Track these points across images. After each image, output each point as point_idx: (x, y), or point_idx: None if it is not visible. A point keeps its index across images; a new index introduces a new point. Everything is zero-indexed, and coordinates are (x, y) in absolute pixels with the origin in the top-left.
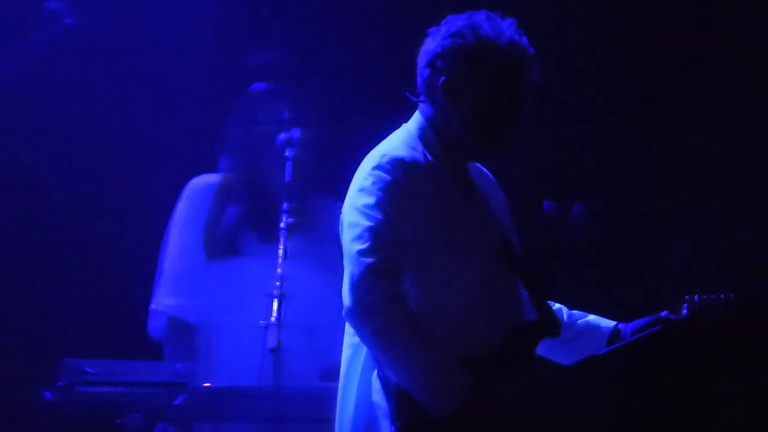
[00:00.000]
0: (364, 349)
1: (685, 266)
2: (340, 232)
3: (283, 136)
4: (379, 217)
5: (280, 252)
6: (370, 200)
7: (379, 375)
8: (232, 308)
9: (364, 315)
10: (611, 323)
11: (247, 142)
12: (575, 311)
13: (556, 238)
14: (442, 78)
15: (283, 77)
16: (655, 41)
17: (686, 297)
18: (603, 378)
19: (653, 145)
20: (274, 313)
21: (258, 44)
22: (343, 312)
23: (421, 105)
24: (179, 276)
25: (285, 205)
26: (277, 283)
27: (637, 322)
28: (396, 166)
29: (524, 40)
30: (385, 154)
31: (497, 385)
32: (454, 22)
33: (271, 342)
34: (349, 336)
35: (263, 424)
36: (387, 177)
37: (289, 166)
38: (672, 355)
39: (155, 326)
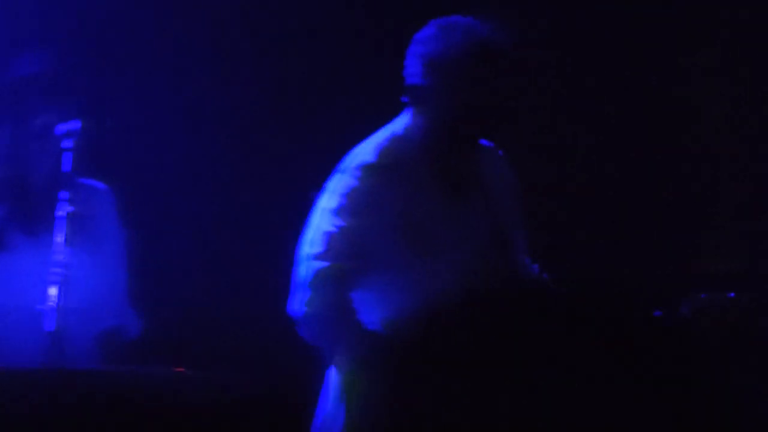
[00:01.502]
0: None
1: None
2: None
3: (62, 127)
4: (338, 223)
5: (58, 240)
6: (333, 204)
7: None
8: (5, 300)
9: (308, 319)
10: None
11: (10, 139)
12: None
13: None
14: (424, 81)
15: (51, 71)
16: None
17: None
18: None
19: None
20: (52, 298)
21: (27, 38)
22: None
23: (407, 104)
24: None
25: (64, 195)
26: (57, 270)
27: None
28: (364, 171)
29: (502, 43)
30: (355, 158)
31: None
32: (433, 27)
33: (49, 325)
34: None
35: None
36: (353, 182)
37: (68, 156)
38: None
39: None
